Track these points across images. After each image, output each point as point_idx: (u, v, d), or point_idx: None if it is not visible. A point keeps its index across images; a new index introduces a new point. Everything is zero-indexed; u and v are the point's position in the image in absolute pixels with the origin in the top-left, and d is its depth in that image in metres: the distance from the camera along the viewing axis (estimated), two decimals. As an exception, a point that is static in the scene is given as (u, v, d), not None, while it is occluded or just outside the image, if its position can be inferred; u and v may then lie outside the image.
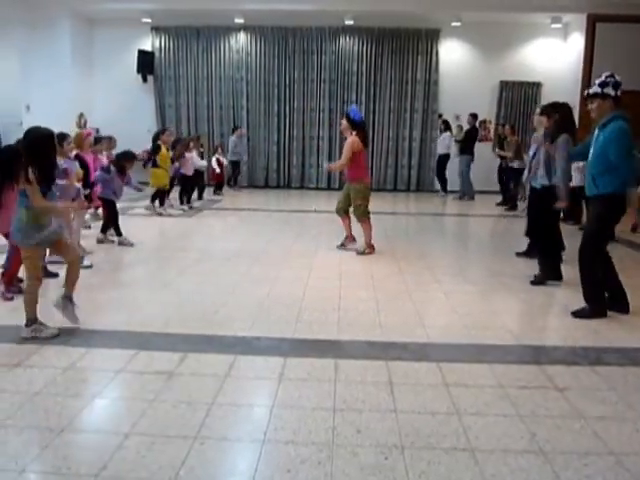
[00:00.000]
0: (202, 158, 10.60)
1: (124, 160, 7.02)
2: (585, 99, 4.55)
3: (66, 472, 2.42)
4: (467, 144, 11.70)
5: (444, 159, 12.32)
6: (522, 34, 12.56)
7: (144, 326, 4.16)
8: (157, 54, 13.32)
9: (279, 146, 13.54)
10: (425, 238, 8.45)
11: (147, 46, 13.30)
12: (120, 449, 2.58)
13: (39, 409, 2.97)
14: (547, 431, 2.80)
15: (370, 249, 6.79)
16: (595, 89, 4.34)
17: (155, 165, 8.98)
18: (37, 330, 3.73)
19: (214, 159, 11.96)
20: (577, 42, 11.79)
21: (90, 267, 5.66)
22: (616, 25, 10.83)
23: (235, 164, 12.85)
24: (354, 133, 6.59)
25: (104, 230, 7.03)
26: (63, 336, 3.90)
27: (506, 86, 12.79)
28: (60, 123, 11.33)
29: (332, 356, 3.66)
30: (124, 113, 12.94)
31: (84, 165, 6.32)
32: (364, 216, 6.77)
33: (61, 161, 5.45)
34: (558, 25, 12.00)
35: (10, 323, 4.13)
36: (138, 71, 13.11)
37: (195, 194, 10.52)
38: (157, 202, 9.34)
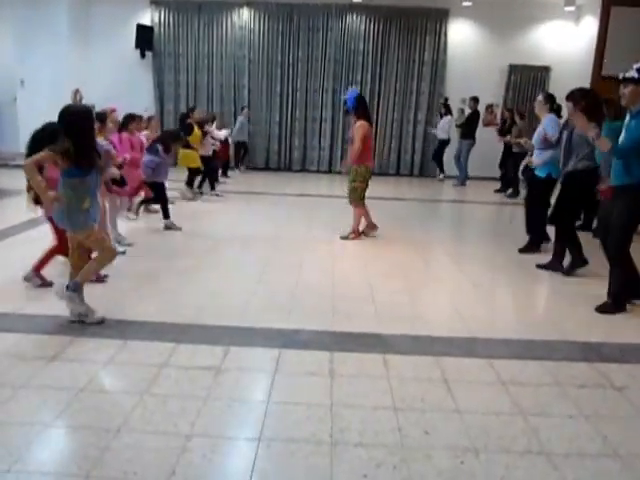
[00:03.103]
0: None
1: (172, 140, 6.80)
2: (621, 81, 4.23)
3: (133, 477, 2.30)
4: (469, 128, 11.54)
5: (444, 144, 12.17)
6: (534, 16, 12.28)
7: (178, 317, 4.01)
8: (156, 29, 12.91)
9: (281, 127, 13.27)
10: (435, 224, 8.38)
11: (146, 20, 12.89)
12: (184, 452, 2.46)
13: (88, 407, 2.84)
14: (618, 433, 2.74)
15: (355, 235, 6.62)
16: (632, 73, 4.12)
17: (188, 146, 8.54)
18: (72, 300, 3.57)
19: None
20: (590, 26, 11.58)
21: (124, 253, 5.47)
22: (632, 9, 10.59)
23: (241, 145, 12.58)
24: (358, 118, 6.40)
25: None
26: (94, 327, 3.75)
27: (515, 69, 12.61)
28: (55, 99, 11.03)
29: (379, 351, 3.56)
30: (121, 90, 12.52)
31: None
32: (359, 200, 6.58)
33: (103, 142, 5.19)
34: (571, 7, 11.74)
35: (37, 312, 3.98)
36: (137, 46, 12.71)
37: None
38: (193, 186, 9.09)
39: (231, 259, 5.69)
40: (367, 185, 6.59)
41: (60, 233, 4.15)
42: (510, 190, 10.66)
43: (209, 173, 9.55)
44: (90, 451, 2.46)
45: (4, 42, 12.05)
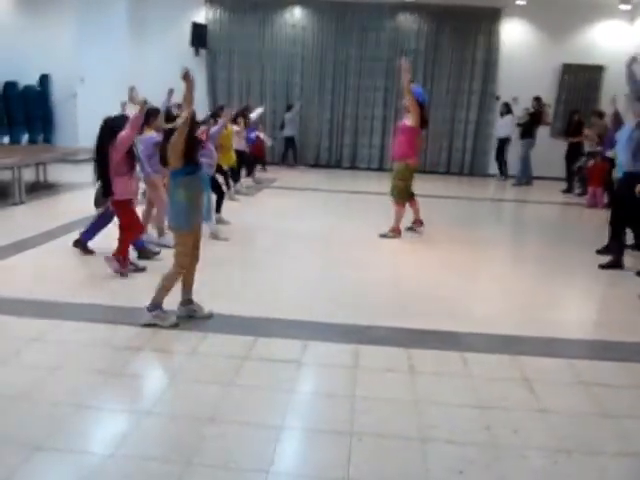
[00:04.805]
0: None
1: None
2: None
3: (233, 467, 2.37)
4: (530, 128, 11.37)
5: (504, 142, 11.99)
6: (588, 15, 11.98)
7: (251, 311, 4.07)
8: (211, 27, 13.10)
9: (332, 124, 13.28)
10: (494, 225, 8.30)
11: (201, 19, 13.10)
12: (278, 443, 2.53)
13: (179, 396, 2.94)
14: None
15: (395, 233, 6.51)
16: None
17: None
18: (159, 317, 3.68)
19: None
20: (645, 25, 11.26)
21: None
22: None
23: (290, 141, 12.72)
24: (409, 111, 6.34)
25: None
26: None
27: (568, 69, 12.34)
28: (114, 95, 11.33)
29: (456, 349, 3.56)
30: (175, 86, 12.73)
31: None
32: (400, 199, 6.52)
33: (153, 134, 5.40)
34: (627, 6, 11.39)
35: (118, 304, 4.13)
36: (191, 44, 12.93)
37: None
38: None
39: (295, 255, 5.74)
40: (408, 183, 6.52)
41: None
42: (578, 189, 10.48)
43: (247, 165, 9.77)
44: (187, 439, 2.54)
45: (65, 41, 12.44)
